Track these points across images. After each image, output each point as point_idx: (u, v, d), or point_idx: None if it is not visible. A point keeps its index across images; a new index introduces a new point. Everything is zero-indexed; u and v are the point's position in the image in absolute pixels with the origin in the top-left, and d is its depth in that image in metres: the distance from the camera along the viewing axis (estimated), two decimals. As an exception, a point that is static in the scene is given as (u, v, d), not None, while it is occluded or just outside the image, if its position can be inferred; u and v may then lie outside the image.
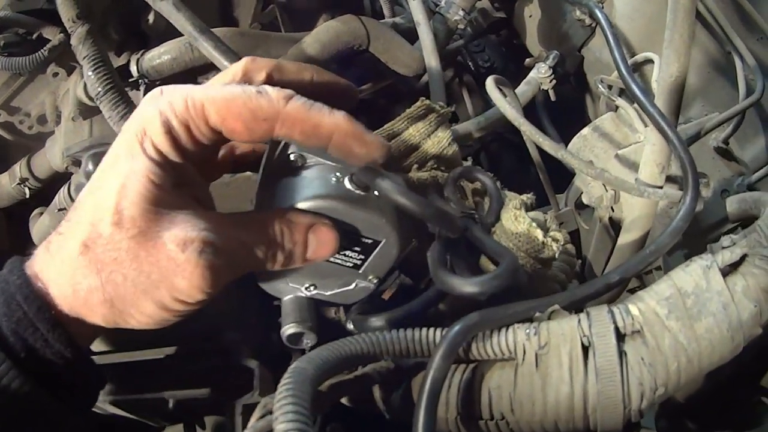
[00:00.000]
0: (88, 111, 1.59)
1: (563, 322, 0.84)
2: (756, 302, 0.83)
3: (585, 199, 1.46)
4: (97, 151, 1.50)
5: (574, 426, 0.82)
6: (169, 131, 0.80)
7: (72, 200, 1.51)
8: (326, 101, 0.87)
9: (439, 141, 1.05)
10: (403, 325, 0.89)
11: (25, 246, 1.67)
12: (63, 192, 1.57)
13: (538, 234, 1.01)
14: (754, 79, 1.62)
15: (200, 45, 1.33)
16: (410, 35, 1.65)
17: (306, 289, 0.94)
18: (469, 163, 1.14)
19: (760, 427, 1.35)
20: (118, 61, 1.58)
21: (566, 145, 1.52)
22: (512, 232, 1.02)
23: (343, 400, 0.98)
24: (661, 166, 1.12)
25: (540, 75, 1.68)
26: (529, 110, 1.81)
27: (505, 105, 1.26)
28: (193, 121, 0.80)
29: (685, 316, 0.82)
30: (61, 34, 1.61)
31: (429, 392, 0.76)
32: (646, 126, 1.35)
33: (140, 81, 1.56)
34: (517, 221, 1.02)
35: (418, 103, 1.04)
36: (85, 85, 1.50)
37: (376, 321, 0.97)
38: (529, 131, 1.21)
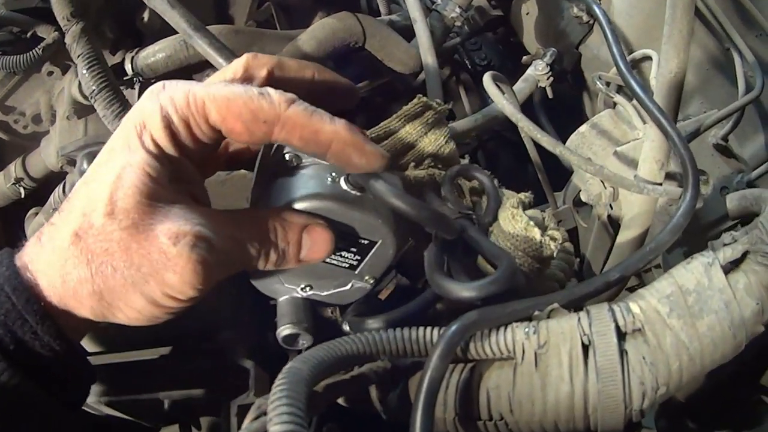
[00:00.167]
0: (83, 110, 1.58)
1: (563, 320, 0.84)
2: (758, 300, 0.82)
3: (583, 197, 1.45)
4: (92, 150, 1.49)
5: (575, 426, 0.81)
6: (169, 126, 0.79)
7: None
8: (327, 100, 0.86)
9: (436, 139, 1.05)
10: (400, 327, 0.88)
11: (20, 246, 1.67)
12: (58, 191, 1.57)
13: (536, 233, 1.00)
14: (753, 75, 1.61)
15: (195, 43, 1.32)
16: (407, 33, 1.64)
17: (302, 289, 0.94)
18: (466, 161, 1.13)
19: (761, 426, 1.35)
20: (112, 60, 1.57)
21: (564, 143, 1.51)
22: (509, 232, 1.01)
23: (340, 401, 0.98)
24: (661, 162, 1.12)
25: (537, 72, 1.67)
26: (527, 108, 1.81)
27: (503, 101, 1.25)
28: (193, 117, 0.79)
29: (687, 314, 0.81)
30: (56, 33, 1.60)
31: (426, 392, 0.75)
32: (644, 123, 1.35)
33: (135, 79, 1.55)
34: (514, 220, 1.01)
35: (414, 101, 1.04)
36: (79, 83, 1.49)
37: (373, 323, 0.96)
38: (526, 127, 1.20)
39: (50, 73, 1.68)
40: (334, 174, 0.88)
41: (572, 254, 1.21)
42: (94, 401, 1.18)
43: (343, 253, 0.91)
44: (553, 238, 1.01)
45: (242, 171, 1.11)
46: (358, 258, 0.91)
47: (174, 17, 1.34)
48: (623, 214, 1.29)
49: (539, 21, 1.95)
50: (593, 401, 0.79)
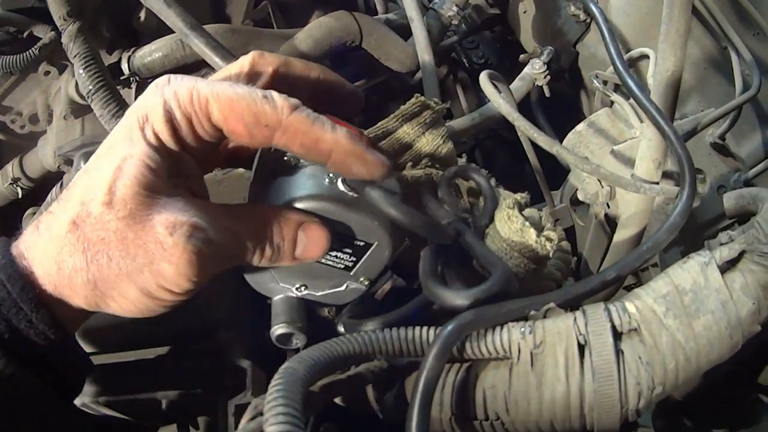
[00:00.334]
0: (79, 110, 1.59)
1: (559, 320, 0.83)
2: (755, 299, 0.82)
3: (580, 196, 1.45)
4: (89, 149, 1.50)
5: (571, 426, 0.81)
6: (171, 121, 0.80)
7: (61, 199, 1.51)
8: (330, 103, 0.87)
9: (433, 138, 1.04)
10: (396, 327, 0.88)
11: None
12: (55, 191, 1.57)
13: (532, 234, 1.00)
14: (751, 74, 1.61)
15: (191, 42, 1.32)
16: (403, 31, 1.64)
17: (297, 289, 0.94)
18: (463, 160, 1.14)
19: (758, 424, 1.34)
20: (109, 59, 1.58)
21: (561, 142, 1.51)
22: (505, 233, 1.01)
23: (337, 400, 0.98)
24: (658, 161, 1.12)
25: (534, 71, 1.67)
26: (524, 106, 1.81)
27: (499, 100, 1.25)
28: (195, 115, 0.80)
29: (683, 314, 0.80)
30: (52, 32, 1.61)
31: (422, 392, 0.75)
32: (641, 121, 1.35)
33: (131, 79, 1.56)
34: (510, 221, 1.01)
35: (412, 100, 1.04)
36: (76, 83, 1.50)
37: (368, 326, 0.96)
38: (523, 126, 1.20)
39: (47, 73, 1.69)
40: (331, 175, 0.87)
41: (569, 253, 1.21)
42: (92, 401, 1.18)
43: (338, 254, 0.91)
44: (549, 239, 1.01)
45: (239, 171, 1.11)
46: (354, 259, 0.92)
47: (170, 16, 1.34)
48: (620, 213, 1.29)
49: (536, 19, 1.94)
50: (589, 401, 0.78)
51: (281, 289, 0.94)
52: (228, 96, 0.79)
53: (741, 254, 0.84)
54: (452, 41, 2.07)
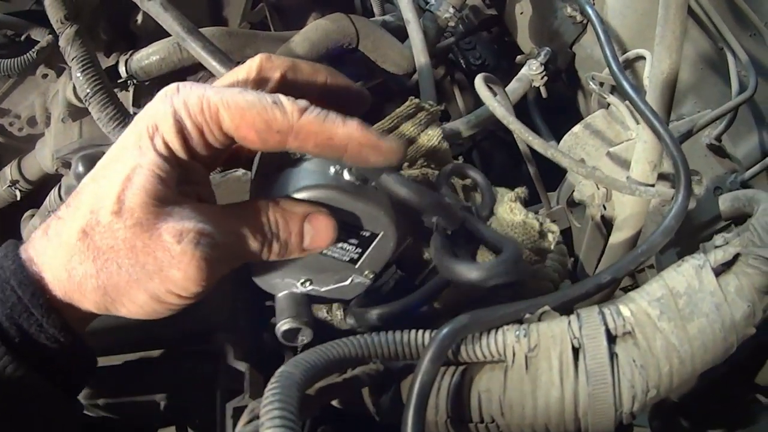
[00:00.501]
0: (77, 112, 1.59)
1: (553, 323, 0.84)
2: (749, 302, 0.82)
3: (577, 197, 1.45)
4: (87, 152, 1.50)
5: (565, 429, 0.81)
6: (181, 131, 0.80)
7: (63, 202, 1.50)
8: (338, 105, 0.86)
9: (428, 139, 1.05)
10: (403, 317, 0.90)
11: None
12: (53, 194, 1.57)
13: (535, 225, 1.00)
14: (747, 75, 1.61)
15: (188, 45, 1.33)
16: (400, 33, 1.65)
17: (301, 284, 0.93)
18: (460, 161, 1.14)
19: (755, 425, 1.35)
20: (107, 62, 1.58)
21: (558, 143, 1.51)
22: (509, 224, 1.02)
23: (334, 402, 0.98)
24: (653, 164, 1.12)
25: (531, 72, 1.67)
26: (521, 107, 1.81)
27: (494, 103, 1.25)
28: (206, 124, 0.79)
29: (678, 317, 0.81)
30: (50, 36, 1.61)
31: (417, 396, 0.76)
32: (638, 123, 1.35)
33: (129, 82, 1.56)
34: (513, 213, 1.02)
35: (407, 103, 1.04)
36: (74, 86, 1.50)
37: (375, 313, 0.96)
38: (518, 129, 1.20)
39: (45, 76, 1.69)
40: (337, 166, 0.87)
41: (566, 255, 1.22)
42: (90, 403, 1.19)
43: (344, 245, 0.90)
44: (551, 230, 1.02)
45: (237, 173, 1.11)
46: (359, 251, 0.91)
47: (167, 20, 1.34)
48: (616, 215, 1.29)
49: (533, 20, 1.95)
50: (583, 404, 0.79)
51: (286, 285, 0.94)
52: (238, 104, 0.79)
53: (736, 257, 0.85)
54: (449, 42, 2.07)
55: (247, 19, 1.72)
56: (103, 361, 1.15)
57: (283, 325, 0.91)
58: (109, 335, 1.06)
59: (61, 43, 1.41)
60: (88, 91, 1.37)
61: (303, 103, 0.80)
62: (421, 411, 0.76)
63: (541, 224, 1.02)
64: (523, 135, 1.19)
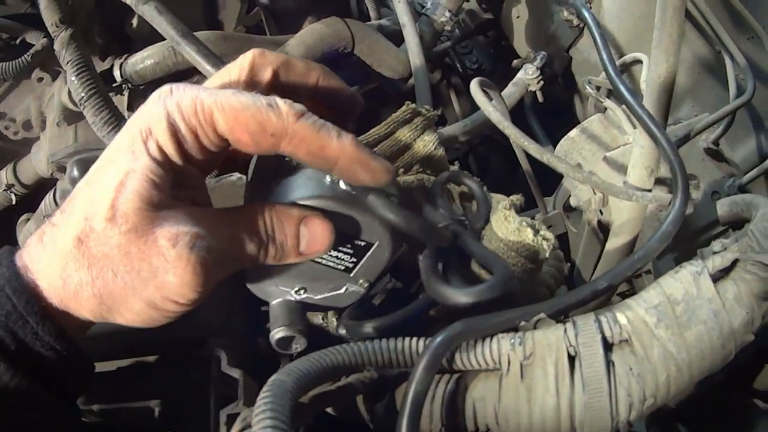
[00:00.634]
0: (72, 116, 1.59)
1: (549, 331, 0.83)
2: (748, 309, 0.81)
3: (573, 202, 1.45)
4: (82, 156, 1.50)
5: (561, 438, 0.81)
6: (175, 134, 0.79)
7: (58, 207, 1.50)
8: (329, 106, 0.87)
9: (425, 145, 1.05)
10: (397, 332, 0.88)
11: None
12: (48, 198, 1.57)
13: (529, 233, 0.99)
14: (745, 78, 1.61)
15: (183, 49, 1.33)
16: (396, 37, 1.65)
17: (296, 292, 0.93)
18: (456, 167, 1.13)
19: (753, 430, 1.34)
20: (101, 66, 1.58)
21: (554, 147, 1.51)
22: (503, 233, 1.01)
23: (329, 410, 0.98)
24: (650, 169, 1.11)
25: (527, 76, 1.67)
26: (518, 111, 1.81)
27: (490, 108, 1.25)
28: (200, 126, 0.79)
29: (675, 325, 0.80)
30: (45, 39, 1.61)
31: (411, 404, 0.75)
32: (634, 127, 1.34)
33: (124, 86, 1.56)
34: (507, 221, 1.01)
35: (403, 108, 1.04)
36: (69, 90, 1.50)
37: (369, 327, 0.96)
38: (514, 135, 1.19)
39: (40, 80, 1.69)
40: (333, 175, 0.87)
41: (563, 261, 1.21)
42: (85, 409, 1.19)
43: (339, 254, 0.90)
44: (545, 238, 1.01)
45: (232, 178, 1.11)
46: (354, 260, 0.91)
47: (161, 24, 1.34)
48: (613, 220, 1.29)
49: (529, 24, 1.95)
50: (580, 413, 0.78)
51: (280, 293, 0.93)
52: (232, 105, 0.78)
53: (734, 263, 0.84)
54: (445, 46, 2.07)
55: (242, 23, 1.72)
56: (98, 367, 1.15)
57: (277, 333, 0.91)
58: (104, 341, 1.06)
59: (56, 46, 1.41)
60: (82, 95, 1.37)
61: (299, 107, 0.79)
62: (415, 419, 0.75)
63: (535, 232, 1.01)
64: (518, 140, 1.18)
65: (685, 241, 1.35)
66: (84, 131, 1.59)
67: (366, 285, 0.94)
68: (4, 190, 1.80)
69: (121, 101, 1.56)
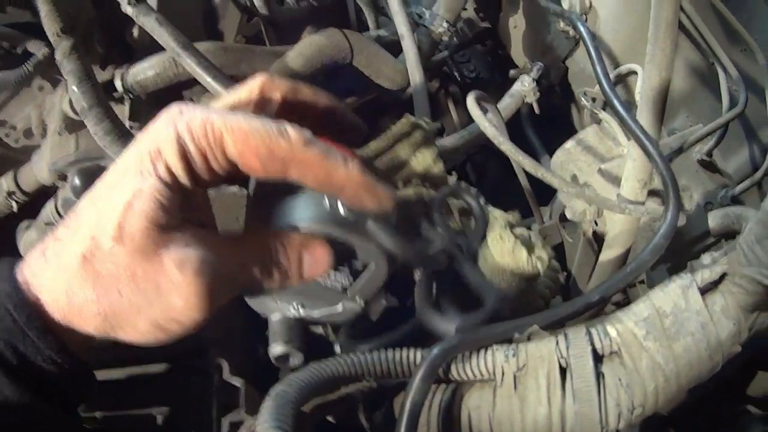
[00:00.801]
0: (74, 125, 1.59)
1: (541, 343, 0.85)
2: (735, 321, 0.84)
3: (568, 214, 1.46)
4: (84, 166, 1.51)
5: (553, 446, 0.82)
6: (185, 156, 0.79)
7: (59, 215, 1.51)
8: (333, 132, 0.88)
9: (424, 159, 1.06)
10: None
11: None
12: (50, 207, 1.58)
13: (523, 256, 1.01)
14: (738, 90, 1.62)
15: (183, 61, 1.34)
16: (394, 47, 1.65)
17: (294, 308, 0.94)
18: (454, 177, 1.15)
19: (745, 436, 1.35)
20: (102, 75, 1.58)
21: (551, 156, 1.53)
22: (497, 253, 1.02)
23: (329, 417, 0.99)
24: (643, 182, 1.13)
25: (523, 88, 1.68)
26: (515, 121, 1.82)
27: (485, 123, 1.26)
28: (210, 149, 0.79)
29: (663, 337, 0.82)
30: (46, 48, 1.61)
31: (409, 413, 0.78)
32: (629, 139, 1.36)
33: (125, 96, 1.57)
34: (502, 241, 1.03)
35: (403, 120, 1.05)
36: (70, 99, 1.50)
37: (363, 348, 0.97)
38: (509, 150, 1.21)
39: (41, 88, 1.70)
40: (333, 198, 0.88)
41: (558, 271, 1.22)
42: (88, 416, 1.19)
43: (337, 275, 0.92)
44: (540, 259, 1.03)
45: (233, 189, 1.12)
46: (351, 279, 0.93)
47: (162, 35, 1.36)
48: (607, 231, 1.30)
49: (526, 34, 1.96)
50: (570, 423, 0.80)
51: (279, 308, 0.95)
52: (242, 129, 0.78)
53: (722, 276, 0.86)
54: (443, 56, 2.08)
55: (242, 33, 1.73)
56: (100, 375, 1.16)
57: (275, 349, 0.92)
58: (107, 350, 1.07)
59: (57, 56, 1.41)
60: (84, 105, 1.38)
61: (308, 134, 0.80)
62: (413, 428, 0.77)
63: (530, 251, 1.03)
64: (514, 155, 1.20)
65: (678, 252, 1.37)
66: (85, 140, 1.59)
67: (362, 303, 0.96)
68: (5, 197, 1.81)
69: (122, 110, 1.57)
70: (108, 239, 0.77)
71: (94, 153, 1.55)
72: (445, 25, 1.76)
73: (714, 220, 1.27)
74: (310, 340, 0.96)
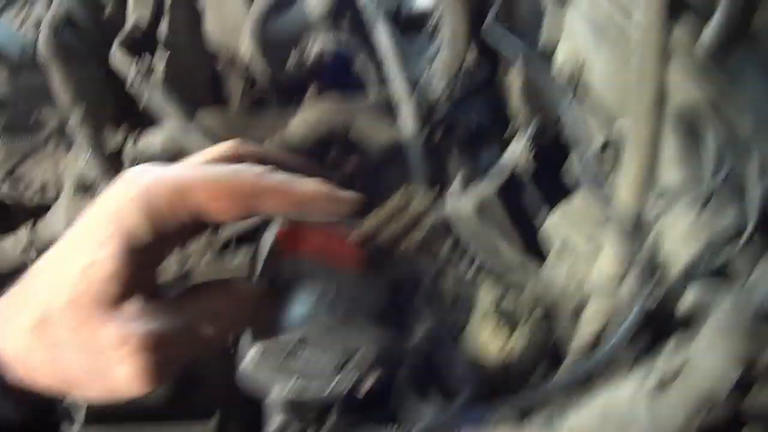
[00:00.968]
0: (88, 187, 1.63)
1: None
2: (686, 417, 0.84)
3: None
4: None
5: None
6: (148, 216, 0.80)
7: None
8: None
9: (420, 230, 1.09)
10: None
11: None
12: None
13: (499, 342, 1.04)
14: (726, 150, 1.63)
15: (191, 136, 1.43)
16: (394, 110, 1.70)
17: (285, 386, 0.96)
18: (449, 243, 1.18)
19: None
20: (115, 136, 1.62)
21: (552, 206, 1.55)
22: (479, 332, 1.06)
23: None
24: (620, 264, 1.16)
25: (516, 153, 1.71)
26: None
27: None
28: (172, 205, 0.80)
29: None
30: (59, 117, 1.65)
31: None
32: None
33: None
34: (485, 321, 1.06)
35: (402, 191, 1.09)
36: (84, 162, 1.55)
37: None
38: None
39: (56, 146, 1.73)
40: (323, 302, 0.93)
41: (550, 330, 1.24)
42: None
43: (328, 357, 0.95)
44: (523, 335, 1.06)
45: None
46: (342, 362, 0.96)
47: (169, 112, 1.41)
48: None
49: (524, 89, 1.97)
50: None
51: (273, 387, 0.96)
52: (205, 177, 0.82)
53: (676, 374, 0.88)
54: (443, 109, 2.10)
55: (247, 95, 1.76)
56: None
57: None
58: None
59: (70, 123, 1.47)
60: (96, 173, 1.43)
61: (259, 168, 0.85)
62: None
63: (512, 329, 1.06)
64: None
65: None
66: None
67: (355, 379, 1.00)
68: (23, 250, 1.84)
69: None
70: (58, 309, 0.79)
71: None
72: (443, 84, 1.80)
73: (691, 296, 1.28)
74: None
